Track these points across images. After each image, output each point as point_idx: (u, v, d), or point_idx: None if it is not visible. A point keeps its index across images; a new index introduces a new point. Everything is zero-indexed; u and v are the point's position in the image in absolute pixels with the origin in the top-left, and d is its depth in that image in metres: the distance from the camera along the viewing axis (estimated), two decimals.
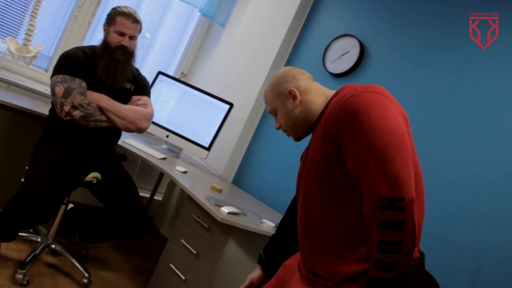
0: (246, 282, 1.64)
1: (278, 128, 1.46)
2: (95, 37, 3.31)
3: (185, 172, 2.58)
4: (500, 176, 1.91)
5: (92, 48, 2.31)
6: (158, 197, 3.57)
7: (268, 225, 2.17)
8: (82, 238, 2.41)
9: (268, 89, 1.46)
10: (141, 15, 2.36)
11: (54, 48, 3.18)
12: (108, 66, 2.22)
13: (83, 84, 2.15)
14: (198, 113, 3.03)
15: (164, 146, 3.15)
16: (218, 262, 2.04)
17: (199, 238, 2.17)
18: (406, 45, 2.50)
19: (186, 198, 2.31)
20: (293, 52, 3.12)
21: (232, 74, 3.34)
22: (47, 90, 2.98)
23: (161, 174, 3.36)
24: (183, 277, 2.15)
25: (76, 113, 2.10)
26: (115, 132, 2.36)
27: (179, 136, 3.02)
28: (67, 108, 2.08)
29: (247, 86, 3.17)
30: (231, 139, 3.12)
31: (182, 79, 3.61)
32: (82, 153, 2.24)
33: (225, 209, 2.06)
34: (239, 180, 3.11)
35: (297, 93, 1.37)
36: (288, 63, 3.11)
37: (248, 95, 3.13)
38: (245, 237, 2.09)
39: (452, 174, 2.07)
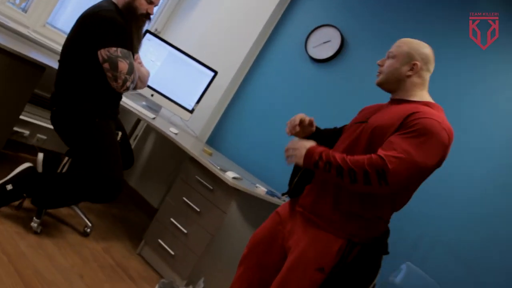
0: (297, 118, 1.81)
1: (380, 64, 1.73)
2: None
3: (177, 133, 2.77)
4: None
5: (116, 10, 2.23)
6: None
7: (262, 190, 2.50)
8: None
9: (407, 44, 1.68)
10: None
11: None
12: (138, 34, 2.31)
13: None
14: (183, 77, 3.19)
15: (144, 102, 3.27)
16: (221, 220, 2.34)
17: (201, 198, 2.44)
18: (384, 42, 2.84)
19: (188, 160, 2.55)
20: (277, 28, 3.36)
21: (213, 40, 3.50)
22: (29, 32, 2.99)
23: (135, 125, 3.52)
24: (185, 231, 2.42)
25: (131, 86, 2.22)
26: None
27: (164, 96, 3.17)
28: (129, 83, 2.17)
29: (229, 55, 3.37)
30: (210, 104, 3.34)
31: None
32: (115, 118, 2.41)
33: (230, 174, 2.34)
34: (213, 141, 3.38)
35: (415, 70, 1.65)
36: (272, 38, 3.35)
37: (230, 65, 3.34)
38: (245, 199, 2.41)
39: None
